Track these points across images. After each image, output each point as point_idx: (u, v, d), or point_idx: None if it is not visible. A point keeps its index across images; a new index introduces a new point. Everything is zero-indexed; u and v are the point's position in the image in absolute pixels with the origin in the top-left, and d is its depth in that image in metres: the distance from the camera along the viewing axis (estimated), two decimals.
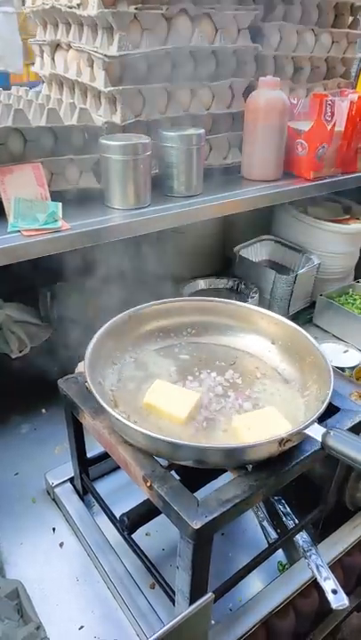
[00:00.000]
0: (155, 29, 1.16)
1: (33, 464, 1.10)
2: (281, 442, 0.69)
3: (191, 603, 0.69)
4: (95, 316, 1.41)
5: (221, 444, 0.75)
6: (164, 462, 0.75)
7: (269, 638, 0.91)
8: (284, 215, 1.61)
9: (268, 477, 0.72)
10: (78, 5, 1.17)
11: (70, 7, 1.20)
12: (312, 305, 1.59)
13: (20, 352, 1.33)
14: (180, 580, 0.73)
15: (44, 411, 1.24)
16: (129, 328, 0.94)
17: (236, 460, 0.72)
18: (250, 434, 0.75)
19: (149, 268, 1.61)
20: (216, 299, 1.02)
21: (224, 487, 0.70)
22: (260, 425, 0.76)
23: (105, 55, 1.13)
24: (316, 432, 0.70)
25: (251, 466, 0.73)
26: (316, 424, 0.71)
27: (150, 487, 0.70)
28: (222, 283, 1.51)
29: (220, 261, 1.65)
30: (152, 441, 0.71)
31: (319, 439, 0.69)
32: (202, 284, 1.49)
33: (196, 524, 0.64)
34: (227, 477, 0.74)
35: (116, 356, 0.91)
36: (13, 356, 1.31)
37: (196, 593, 0.71)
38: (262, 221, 1.67)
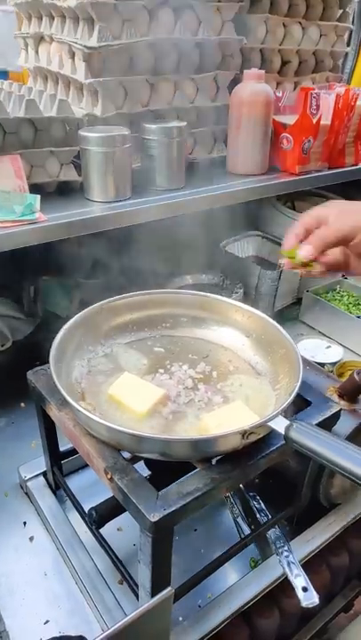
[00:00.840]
0: (136, 20, 1.15)
1: (9, 458, 1.08)
2: (244, 434, 0.68)
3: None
4: (79, 310, 1.40)
5: (181, 436, 0.74)
6: (129, 456, 0.74)
7: (253, 638, 0.90)
8: (271, 210, 1.59)
9: (232, 470, 0.70)
10: None
11: None
12: (299, 301, 1.57)
13: (2, 346, 1.33)
14: (142, 574, 0.71)
15: (22, 405, 1.23)
16: (101, 320, 0.93)
17: (198, 452, 0.71)
18: (216, 427, 0.74)
19: (135, 263, 1.60)
20: (191, 291, 1.00)
21: (185, 480, 0.68)
22: (228, 419, 0.75)
23: (85, 46, 1.12)
24: (280, 424, 0.68)
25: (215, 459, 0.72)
26: (280, 417, 0.70)
27: (111, 479, 0.69)
28: (208, 279, 1.49)
29: (207, 257, 1.63)
30: (113, 433, 0.69)
31: (282, 432, 0.68)
32: (187, 279, 1.48)
33: (154, 517, 0.63)
34: None
35: (87, 349, 0.90)
36: None
37: (157, 588, 0.70)
38: (249, 217, 1.66)
